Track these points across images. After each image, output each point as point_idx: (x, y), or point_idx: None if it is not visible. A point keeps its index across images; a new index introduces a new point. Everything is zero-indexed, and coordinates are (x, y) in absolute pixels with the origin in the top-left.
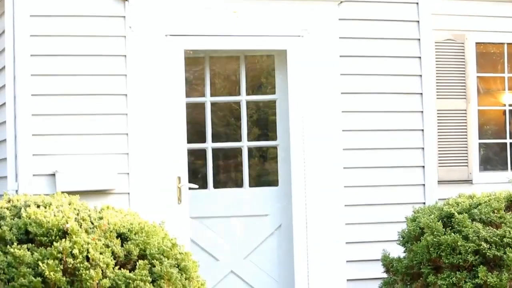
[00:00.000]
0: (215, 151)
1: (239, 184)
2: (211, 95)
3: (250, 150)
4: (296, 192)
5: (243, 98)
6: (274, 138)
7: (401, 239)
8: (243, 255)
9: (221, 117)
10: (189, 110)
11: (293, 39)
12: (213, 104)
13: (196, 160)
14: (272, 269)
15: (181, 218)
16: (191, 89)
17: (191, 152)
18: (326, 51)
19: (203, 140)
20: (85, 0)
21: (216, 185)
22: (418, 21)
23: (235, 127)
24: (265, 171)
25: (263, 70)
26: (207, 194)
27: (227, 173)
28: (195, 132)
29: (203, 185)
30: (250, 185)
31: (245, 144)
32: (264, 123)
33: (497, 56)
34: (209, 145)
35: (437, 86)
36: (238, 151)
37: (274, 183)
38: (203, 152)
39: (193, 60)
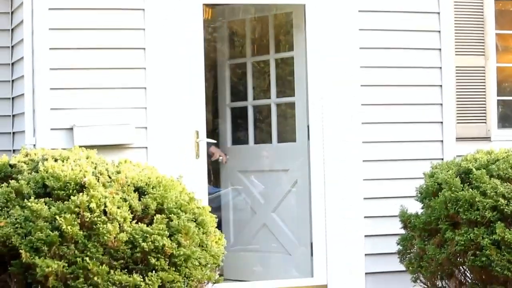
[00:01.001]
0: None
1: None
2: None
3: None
4: (314, 147)
5: (272, 56)
6: (292, 95)
7: (419, 195)
8: (271, 208)
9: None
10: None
11: None
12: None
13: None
14: (292, 223)
15: (199, 173)
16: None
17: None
18: (345, 6)
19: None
20: None
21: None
22: None
23: (260, 86)
24: (290, 128)
25: (282, 28)
26: (247, 149)
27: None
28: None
29: (245, 140)
30: (278, 141)
31: (273, 101)
32: (282, 81)
33: None
34: (249, 103)
35: (455, 42)
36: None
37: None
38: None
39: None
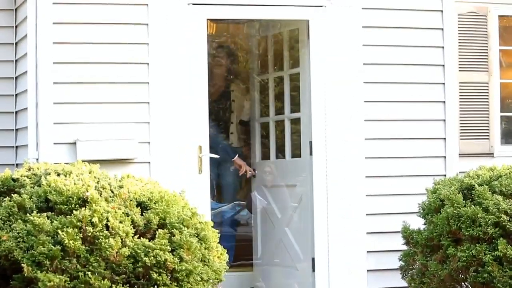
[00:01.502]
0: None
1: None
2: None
3: (278, 123)
4: (317, 163)
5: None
6: (297, 111)
7: (422, 211)
8: (284, 222)
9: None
10: None
11: (316, 9)
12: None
13: None
14: (300, 239)
15: (202, 188)
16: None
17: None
18: (349, 22)
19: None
20: None
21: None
22: None
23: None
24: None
25: (287, 44)
26: (267, 164)
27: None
28: None
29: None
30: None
31: (286, 116)
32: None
33: None
34: (271, 119)
35: (459, 58)
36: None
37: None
38: None
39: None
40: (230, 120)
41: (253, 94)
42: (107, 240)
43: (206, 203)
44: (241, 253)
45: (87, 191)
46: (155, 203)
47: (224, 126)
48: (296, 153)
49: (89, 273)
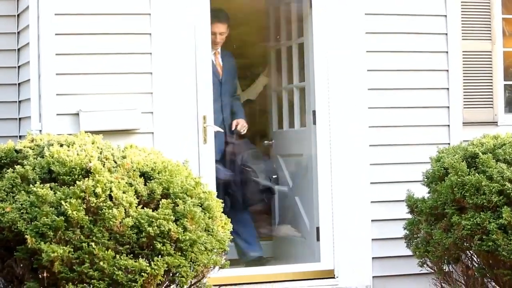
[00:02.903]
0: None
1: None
2: None
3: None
4: (320, 132)
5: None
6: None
7: (426, 179)
8: (295, 191)
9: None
10: None
11: None
12: None
13: None
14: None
15: (207, 158)
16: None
17: None
18: None
19: None
20: None
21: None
22: None
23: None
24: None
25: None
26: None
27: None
28: None
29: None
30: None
31: (294, 85)
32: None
33: None
34: (283, 88)
35: (462, 27)
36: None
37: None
38: None
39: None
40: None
41: (269, 64)
42: (110, 211)
43: (211, 173)
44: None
45: (90, 162)
46: (158, 173)
47: None
48: (304, 123)
49: (92, 243)
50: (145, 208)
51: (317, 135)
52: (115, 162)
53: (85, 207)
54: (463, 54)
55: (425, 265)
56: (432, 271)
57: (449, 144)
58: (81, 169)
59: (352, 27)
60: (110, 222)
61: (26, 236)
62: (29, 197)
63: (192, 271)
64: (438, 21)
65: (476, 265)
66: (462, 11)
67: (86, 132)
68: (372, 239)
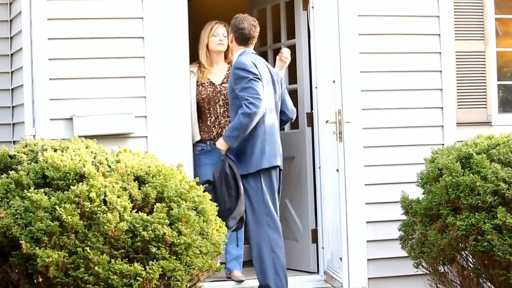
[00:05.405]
0: None
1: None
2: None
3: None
4: (314, 134)
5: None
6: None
7: (420, 180)
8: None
9: None
10: None
11: None
12: None
13: None
14: (299, 210)
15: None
16: None
17: None
18: None
19: None
20: None
21: None
22: None
23: None
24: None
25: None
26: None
27: None
28: None
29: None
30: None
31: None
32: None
33: None
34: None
35: (455, 28)
36: None
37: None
38: None
39: None
40: None
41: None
42: (105, 215)
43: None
44: None
45: (84, 167)
46: (152, 177)
47: None
48: (296, 125)
49: (87, 248)
50: (139, 212)
51: (311, 138)
52: (109, 167)
53: (79, 211)
54: (457, 55)
55: (420, 266)
56: (428, 272)
57: (443, 144)
58: (75, 174)
59: (345, 29)
60: (105, 226)
61: (21, 241)
62: (23, 202)
63: (187, 274)
64: (431, 22)
65: (472, 266)
66: (454, 12)
67: (80, 136)
68: (367, 241)
